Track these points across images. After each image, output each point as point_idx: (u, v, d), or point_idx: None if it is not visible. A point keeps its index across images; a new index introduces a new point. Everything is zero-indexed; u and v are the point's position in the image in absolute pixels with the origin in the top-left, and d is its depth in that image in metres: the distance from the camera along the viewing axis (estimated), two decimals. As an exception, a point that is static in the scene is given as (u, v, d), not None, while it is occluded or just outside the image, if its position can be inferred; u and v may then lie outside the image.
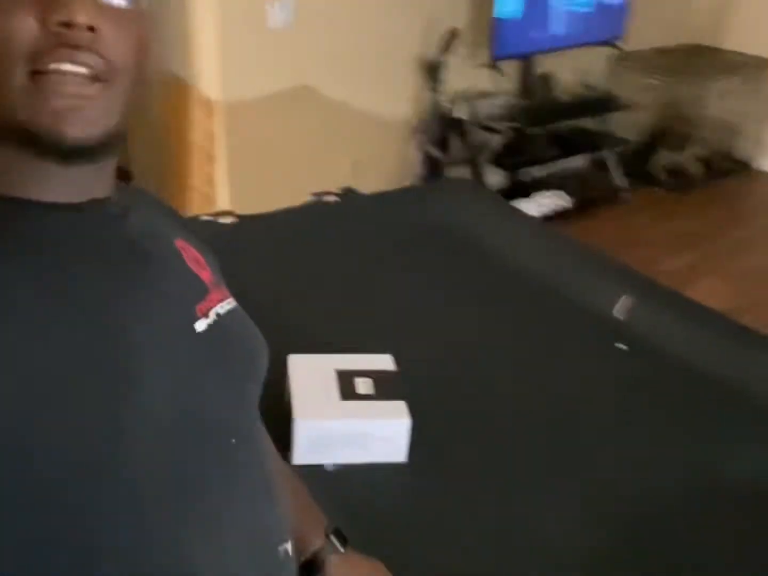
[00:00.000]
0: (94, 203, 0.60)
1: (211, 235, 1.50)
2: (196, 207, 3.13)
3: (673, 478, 1.08)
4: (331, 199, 1.77)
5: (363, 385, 1.10)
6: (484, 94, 3.64)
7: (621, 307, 1.33)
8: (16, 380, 0.49)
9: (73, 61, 0.53)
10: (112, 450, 0.52)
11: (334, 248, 1.59)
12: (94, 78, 0.54)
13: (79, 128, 0.54)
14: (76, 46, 0.52)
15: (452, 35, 3.26)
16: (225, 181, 2.97)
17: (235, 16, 2.77)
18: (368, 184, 2.01)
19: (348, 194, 1.78)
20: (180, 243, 0.68)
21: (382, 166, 3.42)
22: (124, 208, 0.64)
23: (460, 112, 3.48)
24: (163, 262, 0.65)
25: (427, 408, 1.16)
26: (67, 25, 0.52)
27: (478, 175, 3.60)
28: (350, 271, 1.53)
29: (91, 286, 0.56)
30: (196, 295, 0.65)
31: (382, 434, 1.05)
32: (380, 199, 1.80)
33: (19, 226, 0.56)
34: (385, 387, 1.10)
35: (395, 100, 3.41)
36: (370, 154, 3.40)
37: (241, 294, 1.34)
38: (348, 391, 1.09)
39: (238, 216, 1.65)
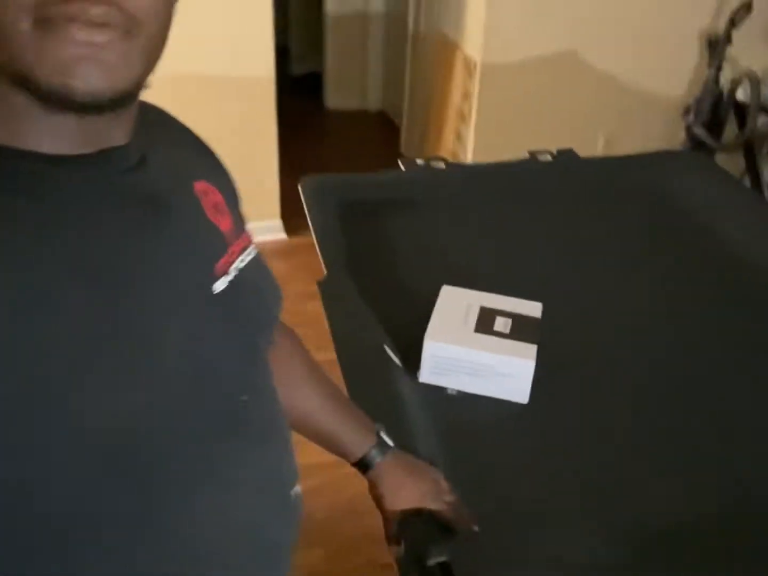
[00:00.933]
0: (108, 153, 0.55)
1: (424, 177, 1.65)
2: (443, 163, 3.26)
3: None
4: (547, 158, 1.76)
5: (501, 324, 1.13)
6: (776, 77, 3.26)
7: None
8: (24, 344, 0.47)
9: (88, 9, 0.46)
10: (129, 412, 0.51)
11: (534, 204, 1.60)
12: (114, 30, 0.48)
13: (91, 81, 0.48)
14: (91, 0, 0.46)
15: (745, 8, 2.96)
16: (471, 140, 3.05)
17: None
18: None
19: (564, 155, 1.76)
20: (200, 186, 0.65)
21: (640, 144, 3.25)
22: (142, 155, 0.59)
23: (743, 95, 3.16)
24: (182, 216, 0.61)
25: (565, 360, 1.16)
26: None
27: (753, 166, 3.26)
28: (545, 228, 1.54)
29: (99, 245, 0.53)
30: (216, 251, 0.63)
31: (505, 370, 1.07)
32: (596, 163, 1.75)
33: (22, 182, 0.51)
34: (522, 329, 1.12)
35: (666, 74, 3.20)
36: (629, 130, 3.25)
37: (433, 232, 1.45)
38: (484, 326, 1.12)
39: (448, 163, 1.72)
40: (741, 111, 3.15)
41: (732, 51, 3.08)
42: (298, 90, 4.99)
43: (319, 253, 1.30)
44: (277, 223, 3.13)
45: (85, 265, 0.51)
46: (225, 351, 0.62)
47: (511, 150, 2.30)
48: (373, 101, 4.75)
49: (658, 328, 1.27)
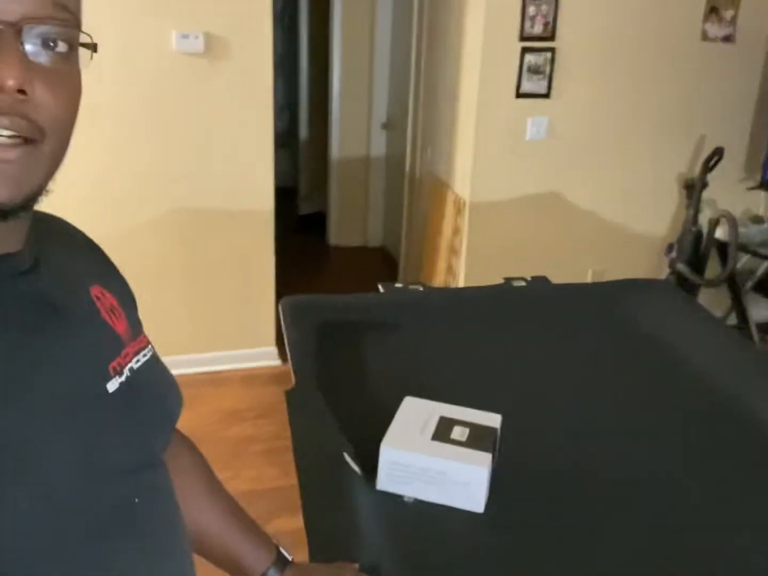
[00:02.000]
0: (2, 258, 0.55)
1: (401, 299, 1.73)
2: (436, 295, 3.37)
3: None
4: (521, 283, 1.85)
5: (458, 432, 1.16)
6: (754, 219, 3.43)
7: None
8: None
9: None
10: (7, 524, 0.50)
11: (506, 326, 1.67)
12: (20, 140, 0.50)
13: (1, 191, 0.50)
14: (3, 110, 0.49)
15: (716, 155, 3.16)
16: (462, 273, 3.17)
17: (496, 129, 3.03)
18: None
19: (538, 281, 1.85)
20: (96, 290, 0.65)
21: (626, 276, 3.36)
22: (35, 260, 0.59)
23: (723, 234, 3.31)
24: (76, 317, 0.61)
25: (523, 471, 1.19)
26: None
27: (738, 302, 3.35)
28: (514, 348, 1.60)
29: None
30: (110, 352, 0.63)
31: (459, 478, 1.10)
32: (567, 289, 1.84)
33: None
34: (479, 438, 1.15)
35: (647, 214, 3.37)
36: (614, 267, 3.37)
37: (406, 350, 1.51)
38: (442, 435, 1.15)
39: (426, 286, 1.82)
40: (723, 248, 3.28)
41: (709, 193, 3.26)
42: (305, 228, 5.24)
43: (290, 364, 1.35)
44: (272, 350, 3.20)
45: None
46: (118, 452, 0.60)
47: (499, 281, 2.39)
48: (373, 238, 4.97)
49: (616, 443, 1.29)
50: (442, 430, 1.17)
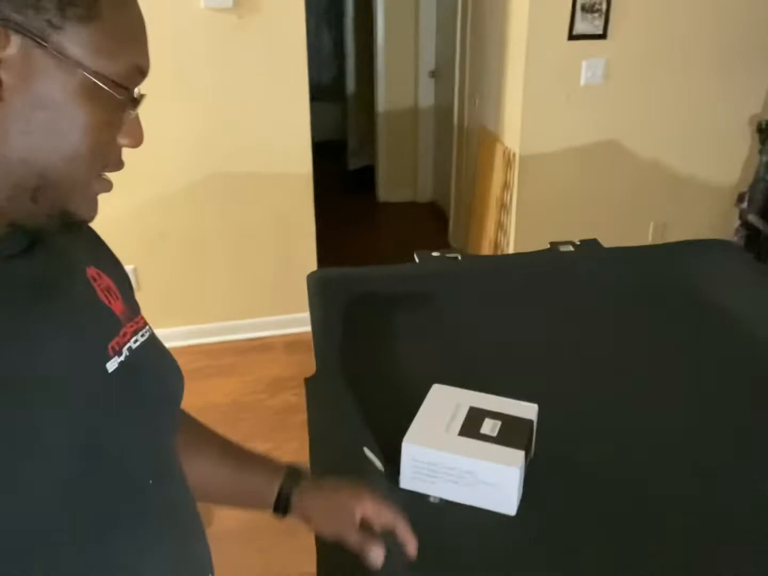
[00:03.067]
0: None
1: (436, 270, 1.62)
2: (486, 252, 3.23)
3: None
4: (568, 248, 1.71)
5: (489, 426, 1.06)
6: (836, 162, 3.13)
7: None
8: None
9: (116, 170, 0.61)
10: (9, 506, 0.50)
11: (551, 297, 1.54)
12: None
13: (92, 211, 0.61)
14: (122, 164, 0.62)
15: (794, 93, 2.88)
16: (513, 230, 3.02)
17: (547, 75, 2.83)
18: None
19: (587, 246, 1.71)
20: (92, 271, 0.66)
21: (692, 232, 3.14)
22: (30, 242, 0.60)
23: (800, 181, 3.03)
24: (72, 298, 0.62)
25: (560, 468, 1.08)
26: (133, 146, 0.61)
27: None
28: (558, 323, 1.47)
29: None
30: (108, 331, 0.63)
31: (488, 478, 1.00)
32: (620, 253, 1.68)
33: None
34: (511, 433, 1.04)
35: (715, 161, 3.12)
36: (678, 219, 3.16)
37: (439, 327, 1.41)
38: (470, 429, 1.05)
39: (465, 255, 1.69)
40: (799, 198, 3.02)
41: (786, 137, 2.99)
42: (354, 183, 5.12)
43: (313, 352, 1.27)
44: (318, 313, 3.14)
45: None
46: (123, 431, 0.61)
47: (554, 238, 2.26)
48: (423, 193, 4.81)
49: (672, 436, 1.16)
50: (471, 424, 1.06)
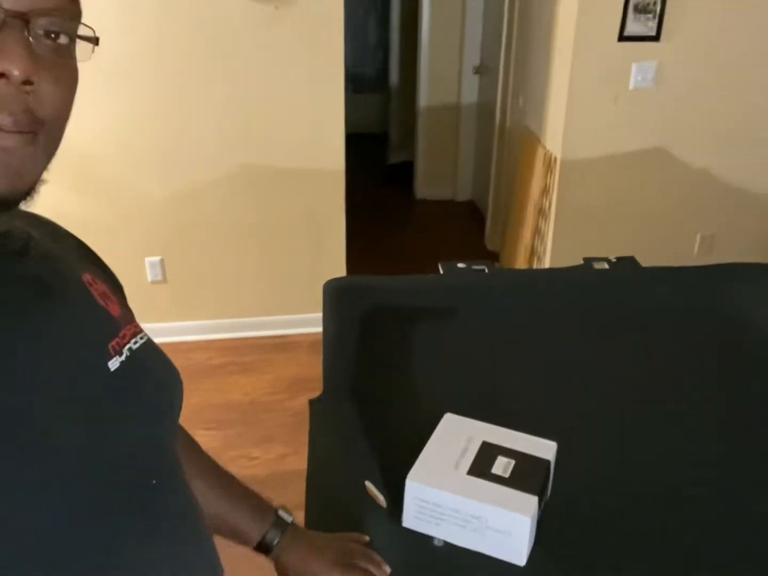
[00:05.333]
0: None
1: (461, 283, 1.54)
2: (521, 258, 3.13)
3: None
4: (603, 265, 1.61)
5: (501, 465, 0.98)
6: None
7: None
8: None
9: (4, 114, 0.49)
10: (13, 509, 0.49)
11: (581, 319, 1.45)
12: (21, 132, 0.51)
13: (6, 183, 0.51)
14: (10, 101, 0.49)
15: None
16: (550, 236, 2.91)
17: (594, 77, 2.71)
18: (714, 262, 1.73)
19: (623, 263, 1.61)
20: (87, 277, 0.65)
21: (741, 244, 3.00)
22: (25, 242, 0.59)
23: None
24: (71, 299, 0.61)
25: (577, 515, 0.99)
26: (3, 76, 0.49)
27: None
28: (587, 349, 1.37)
29: None
30: (108, 332, 0.62)
31: (497, 525, 0.92)
32: (658, 273, 1.58)
33: None
34: (525, 475, 0.96)
35: (766, 171, 2.96)
36: (727, 231, 3.01)
37: (459, 346, 1.33)
38: (481, 468, 0.97)
39: (493, 267, 1.61)
40: None
41: None
42: (394, 178, 5.04)
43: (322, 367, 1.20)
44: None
45: None
46: (125, 431, 0.60)
47: (593, 248, 2.16)
48: (462, 191, 4.71)
49: (705, 482, 1.07)
50: (482, 462, 0.98)
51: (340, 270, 2.90)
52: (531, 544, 0.93)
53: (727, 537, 0.96)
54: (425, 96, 4.50)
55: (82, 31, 0.55)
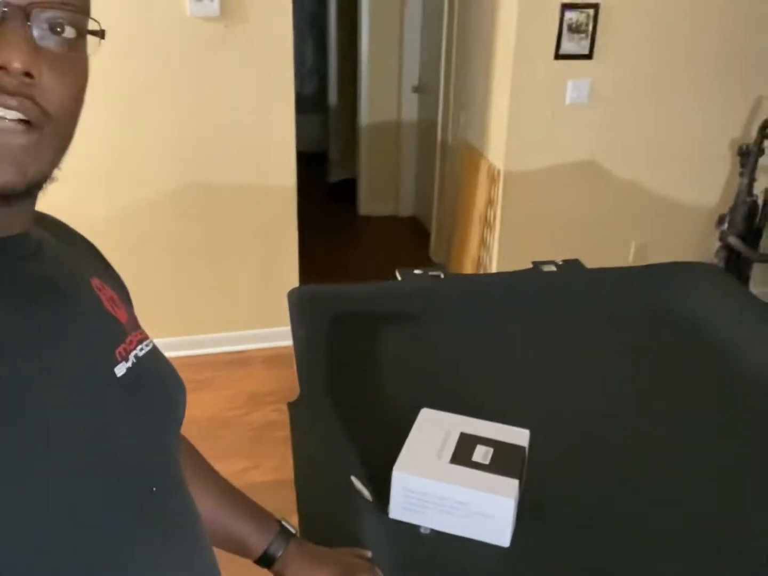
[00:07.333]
0: (5, 239, 0.56)
1: (419, 286, 1.59)
2: (468, 269, 3.22)
3: None
4: (551, 268, 1.69)
5: (481, 453, 1.02)
6: (815, 186, 3.17)
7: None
8: None
9: (5, 106, 0.49)
10: (13, 509, 0.49)
11: (533, 318, 1.52)
12: (26, 124, 0.50)
13: (4, 176, 0.51)
14: (10, 91, 0.49)
15: (773, 119, 2.91)
16: (496, 246, 3.00)
17: (533, 93, 2.83)
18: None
19: (569, 266, 1.69)
20: (96, 282, 0.65)
21: (673, 252, 3.16)
22: (39, 245, 0.60)
23: (781, 204, 3.06)
24: (79, 302, 0.61)
25: (553, 497, 1.05)
26: (2, 68, 0.48)
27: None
28: (542, 345, 1.45)
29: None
30: (115, 337, 0.62)
31: (482, 509, 0.96)
32: (602, 274, 1.67)
33: None
34: (504, 461, 1.01)
35: (697, 183, 3.15)
36: (659, 240, 3.17)
37: (423, 347, 1.38)
38: (462, 456, 1.02)
39: (447, 273, 1.67)
40: (779, 221, 3.05)
41: (765, 160, 3.02)
42: (335, 196, 5.09)
43: (295, 370, 1.23)
44: (298, 328, 3.09)
45: None
46: (130, 436, 0.60)
47: (536, 256, 2.25)
48: (405, 207, 4.80)
49: (663, 459, 1.14)
50: (463, 451, 1.03)
51: (293, 285, 2.91)
52: (513, 526, 0.98)
53: (702, 524, 1.03)
54: (366, 114, 4.58)
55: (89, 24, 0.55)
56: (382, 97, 4.53)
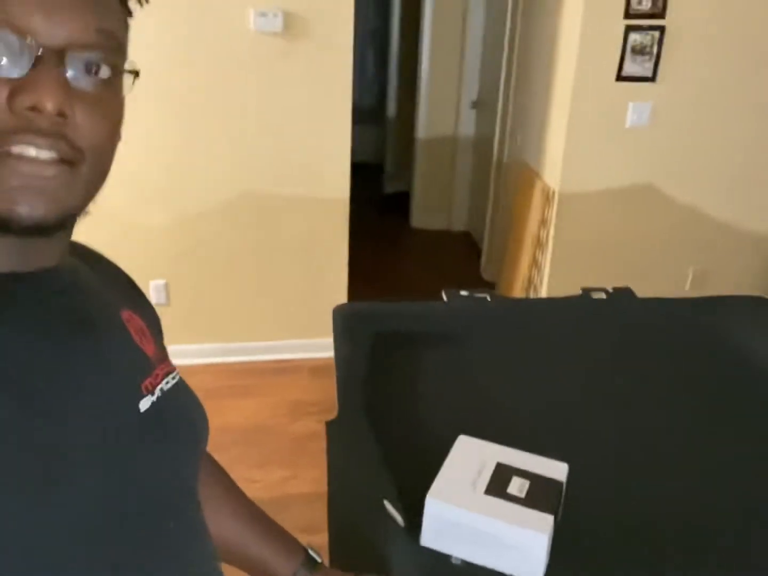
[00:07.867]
0: (40, 272, 0.57)
1: (465, 310, 1.58)
2: (518, 289, 3.19)
3: None
4: (601, 296, 1.67)
5: (516, 486, 1.01)
6: None
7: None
8: None
9: (38, 146, 0.50)
10: (35, 542, 0.49)
11: (581, 347, 1.49)
12: (59, 161, 0.51)
13: (36, 208, 0.51)
14: (43, 132, 0.50)
15: None
16: (547, 267, 2.97)
17: (592, 115, 2.79)
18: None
19: (620, 294, 1.66)
20: (126, 314, 0.66)
21: (733, 280, 3.07)
22: (72, 277, 0.61)
23: None
24: (109, 335, 0.62)
25: (589, 533, 1.03)
26: (36, 109, 0.49)
27: None
28: (589, 375, 1.42)
29: (26, 361, 0.52)
30: (141, 371, 0.63)
31: (515, 543, 0.95)
32: (653, 304, 1.63)
33: None
34: (540, 494, 1.00)
35: (760, 210, 3.05)
36: (719, 267, 3.09)
37: (466, 370, 1.37)
38: (497, 487, 1.01)
39: (494, 295, 1.66)
40: None
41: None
42: (389, 207, 5.11)
43: (336, 390, 1.24)
44: (345, 339, 3.11)
45: (12, 382, 0.51)
46: (150, 472, 0.60)
47: (588, 280, 2.22)
48: (457, 222, 4.78)
49: (710, 499, 1.11)
50: (498, 482, 1.02)
51: (341, 296, 2.94)
52: (546, 561, 0.96)
53: (743, 554, 1.00)
54: (423, 127, 4.59)
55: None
56: (441, 111, 4.54)
